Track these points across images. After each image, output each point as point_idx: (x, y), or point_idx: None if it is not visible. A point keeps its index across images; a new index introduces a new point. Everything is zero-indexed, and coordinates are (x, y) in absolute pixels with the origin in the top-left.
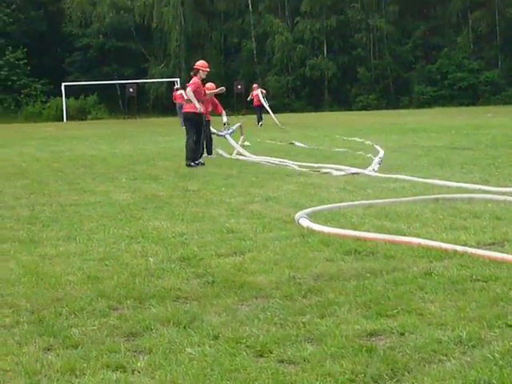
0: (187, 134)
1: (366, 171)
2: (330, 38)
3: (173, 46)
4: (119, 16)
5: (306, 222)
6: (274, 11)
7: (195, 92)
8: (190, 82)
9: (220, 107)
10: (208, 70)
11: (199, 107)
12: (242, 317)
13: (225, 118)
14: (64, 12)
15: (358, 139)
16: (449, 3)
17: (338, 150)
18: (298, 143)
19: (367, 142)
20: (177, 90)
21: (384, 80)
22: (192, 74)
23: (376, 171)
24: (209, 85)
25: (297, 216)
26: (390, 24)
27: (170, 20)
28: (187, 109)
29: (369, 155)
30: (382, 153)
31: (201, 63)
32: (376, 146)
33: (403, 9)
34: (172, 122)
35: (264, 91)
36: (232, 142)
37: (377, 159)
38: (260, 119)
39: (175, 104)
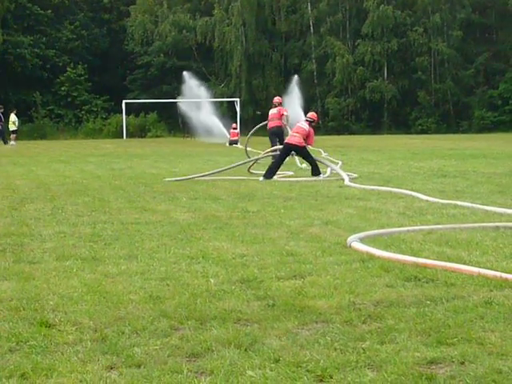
0: None
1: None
2: (390, 60)
3: (234, 66)
4: (181, 35)
5: (358, 245)
6: (335, 33)
7: None
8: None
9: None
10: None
11: None
12: (303, 341)
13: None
14: (126, 30)
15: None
16: None
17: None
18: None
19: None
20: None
21: (444, 104)
22: None
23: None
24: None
25: (349, 240)
26: (451, 48)
27: (232, 40)
28: None
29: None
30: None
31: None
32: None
33: (466, 33)
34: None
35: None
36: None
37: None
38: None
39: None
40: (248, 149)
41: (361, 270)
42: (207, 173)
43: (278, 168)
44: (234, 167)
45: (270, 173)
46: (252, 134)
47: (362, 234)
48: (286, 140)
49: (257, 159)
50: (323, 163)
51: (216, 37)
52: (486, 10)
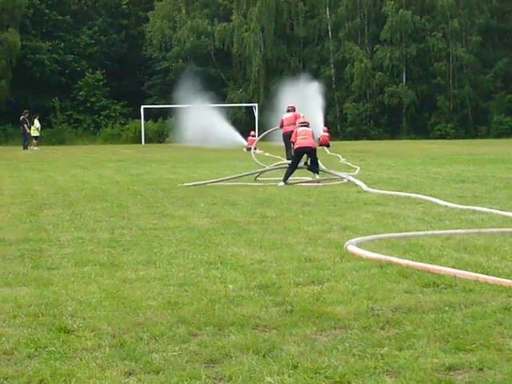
0: None
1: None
2: (409, 65)
3: (252, 71)
4: (199, 40)
5: (353, 248)
6: (354, 38)
7: None
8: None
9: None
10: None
11: None
12: (321, 347)
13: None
14: (145, 35)
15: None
16: None
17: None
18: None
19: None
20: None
21: (463, 109)
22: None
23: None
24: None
25: (346, 243)
26: (470, 53)
27: (250, 45)
28: None
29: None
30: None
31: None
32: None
33: (485, 38)
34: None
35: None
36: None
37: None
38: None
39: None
40: (266, 154)
41: (379, 275)
42: (221, 179)
43: (293, 172)
44: (242, 176)
45: (287, 178)
46: (260, 139)
47: (359, 239)
48: (299, 145)
49: (263, 171)
50: (333, 174)
51: (234, 42)
52: (505, 15)
